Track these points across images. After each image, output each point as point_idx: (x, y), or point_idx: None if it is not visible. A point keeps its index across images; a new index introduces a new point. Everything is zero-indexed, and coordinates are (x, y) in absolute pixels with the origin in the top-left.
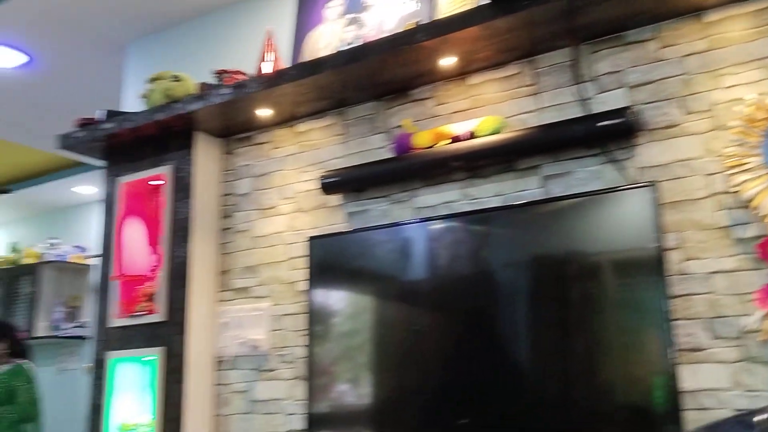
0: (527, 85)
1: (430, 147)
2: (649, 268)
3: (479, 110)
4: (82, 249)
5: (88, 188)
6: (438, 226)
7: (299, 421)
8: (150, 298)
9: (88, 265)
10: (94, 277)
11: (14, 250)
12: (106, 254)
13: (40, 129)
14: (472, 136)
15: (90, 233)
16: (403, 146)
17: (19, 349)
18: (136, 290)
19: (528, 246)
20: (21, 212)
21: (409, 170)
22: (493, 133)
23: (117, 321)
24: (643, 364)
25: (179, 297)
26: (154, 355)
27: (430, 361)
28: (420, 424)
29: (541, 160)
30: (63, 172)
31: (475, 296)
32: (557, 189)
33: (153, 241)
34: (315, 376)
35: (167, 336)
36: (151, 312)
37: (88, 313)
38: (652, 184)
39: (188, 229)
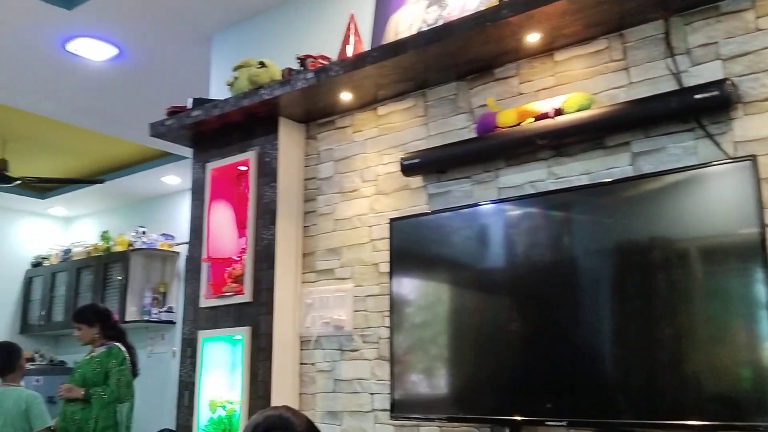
0: (616, 60)
1: (515, 125)
2: (748, 251)
3: (565, 87)
4: (170, 237)
5: (174, 178)
6: (522, 204)
7: (383, 401)
8: (237, 279)
9: (176, 252)
10: (181, 263)
11: (106, 238)
12: (195, 238)
13: (131, 120)
14: (558, 113)
15: (177, 221)
16: (487, 125)
17: (113, 333)
18: (225, 272)
19: (617, 228)
20: (112, 202)
21: (493, 149)
22: (581, 110)
23: (207, 302)
24: (735, 355)
25: (265, 278)
26: (241, 334)
27: (514, 344)
28: (502, 409)
29: (631, 136)
30: (151, 163)
31: (561, 279)
32: (648, 166)
33: (240, 225)
34: (398, 357)
35: (254, 316)
36: (238, 293)
37: (176, 299)
38: (751, 159)
39: (273, 212)
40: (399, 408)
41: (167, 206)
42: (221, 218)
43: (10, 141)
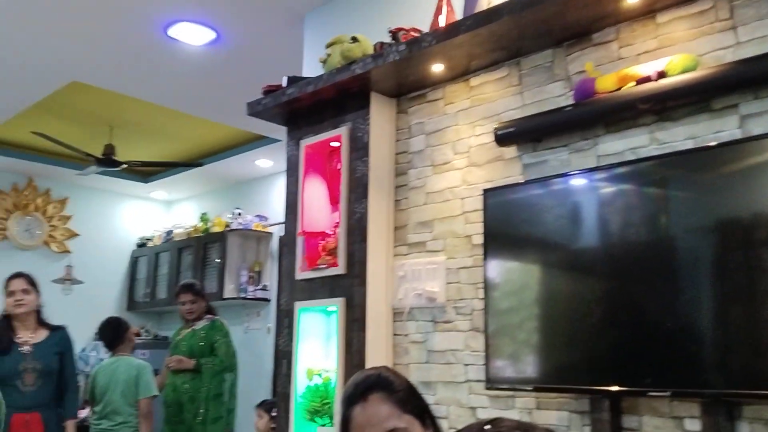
0: (722, 20)
1: (615, 90)
2: None
3: (668, 50)
4: (264, 218)
5: (267, 162)
6: (624, 170)
7: (477, 372)
8: (331, 252)
9: (269, 233)
10: (274, 243)
11: (204, 219)
12: (291, 213)
13: (227, 104)
14: (661, 76)
15: (270, 203)
16: (585, 92)
17: (208, 307)
18: (319, 245)
19: (725, 197)
20: (210, 185)
21: (592, 116)
22: (686, 72)
23: (302, 274)
24: None
25: (358, 251)
26: (336, 305)
27: (614, 315)
28: (601, 380)
29: (739, 98)
30: (246, 147)
31: (664, 250)
32: (758, 129)
33: (333, 200)
34: (492, 328)
35: (347, 288)
36: (332, 265)
37: (270, 277)
38: None
39: (365, 186)
40: (494, 379)
41: (261, 188)
42: (315, 193)
43: (116, 127)
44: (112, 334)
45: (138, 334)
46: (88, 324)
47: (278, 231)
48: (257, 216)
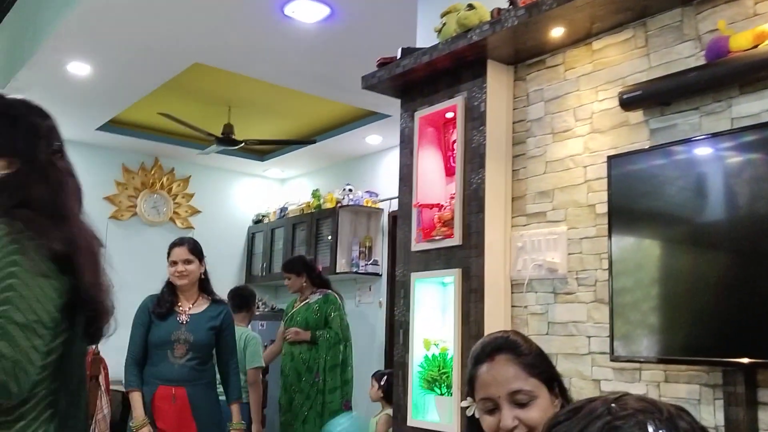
0: None
1: (751, 48)
2: None
3: None
4: (374, 194)
5: (377, 138)
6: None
7: (601, 344)
8: (447, 223)
9: (380, 209)
10: (384, 218)
11: (316, 196)
12: (405, 185)
13: (339, 81)
14: None
15: (379, 179)
16: (718, 50)
17: (320, 282)
18: (434, 217)
19: None
20: (321, 162)
21: (725, 76)
22: None
23: (417, 245)
24: None
25: (474, 222)
26: (452, 276)
27: (750, 285)
28: (735, 352)
29: None
30: (356, 123)
31: None
32: None
33: (448, 171)
34: (618, 299)
35: (464, 258)
36: (448, 236)
37: (380, 252)
38: None
39: (482, 156)
40: (620, 351)
41: (370, 165)
42: (429, 165)
43: (234, 107)
44: (239, 300)
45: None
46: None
47: (388, 206)
48: (367, 192)
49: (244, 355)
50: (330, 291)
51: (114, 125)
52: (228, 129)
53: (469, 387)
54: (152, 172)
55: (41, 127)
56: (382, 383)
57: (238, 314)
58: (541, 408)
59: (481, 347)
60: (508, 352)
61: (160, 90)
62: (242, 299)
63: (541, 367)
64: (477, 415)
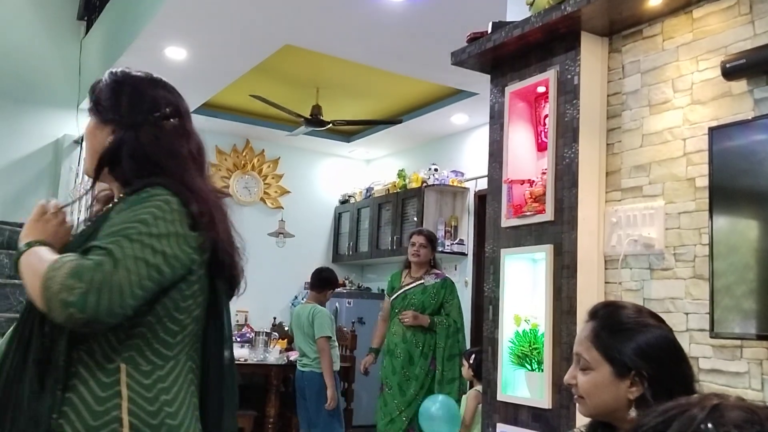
0: None
1: None
2: None
3: None
4: (459, 173)
5: (462, 117)
6: None
7: (699, 321)
8: (538, 199)
9: (465, 188)
10: (470, 198)
11: (402, 176)
12: (495, 161)
13: (426, 59)
14: None
15: (465, 159)
16: None
17: (435, 262)
18: (525, 193)
19: None
20: (406, 143)
21: None
22: None
23: (507, 221)
24: None
25: (567, 197)
26: (543, 252)
27: None
28: None
29: None
30: (442, 102)
31: None
32: None
33: (539, 146)
34: (719, 275)
35: (556, 234)
36: (539, 212)
37: (466, 232)
38: None
39: (575, 130)
40: (720, 327)
41: (456, 144)
42: (519, 140)
43: (322, 88)
44: (316, 281)
45: (342, 285)
46: (299, 274)
47: (474, 186)
48: (453, 171)
49: (312, 327)
50: (447, 276)
51: (208, 108)
52: (316, 110)
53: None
54: (243, 153)
55: (145, 94)
56: (471, 361)
57: (313, 292)
58: (594, 381)
59: (592, 307)
60: (596, 320)
61: (251, 73)
62: (320, 280)
63: (615, 347)
64: None
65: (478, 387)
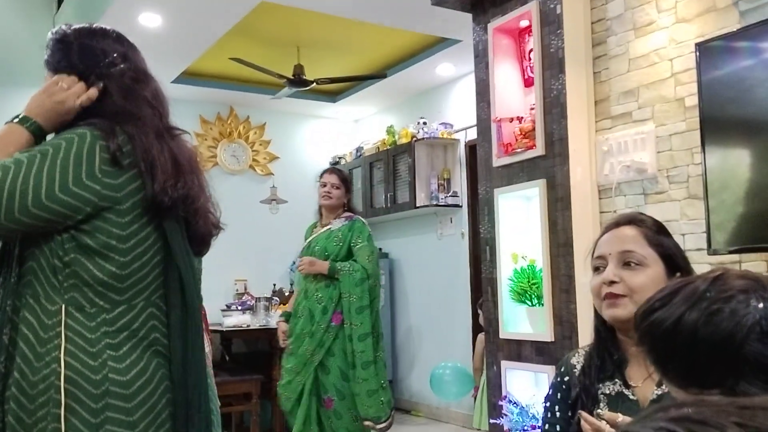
0: None
1: None
2: None
3: None
4: (449, 125)
5: (448, 67)
6: None
7: (696, 240)
8: (528, 135)
9: (455, 140)
10: (461, 149)
11: (391, 132)
12: (482, 100)
13: (408, 8)
14: None
15: (453, 110)
16: None
17: (352, 207)
18: (514, 130)
19: None
20: (393, 99)
21: None
22: None
23: (499, 161)
24: None
25: (557, 130)
26: (536, 187)
27: None
28: None
29: None
30: (426, 53)
31: None
32: None
33: (526, 81)
34: (713, 193)
35: (548, 168)
36: (530, 148)
37: (459, 184)
38: None
39: (561, 61)
40: (717, 244)
41: (443, 96)
42: (506, 78)
43: (302, 47)
44: None
45: None
46: (294, 239)
47: (464, 137)
48: (442, 124)
49: None
50: (358, 217)
51: (188, 77)
52: (298, 70)
53: (592, 255)
54: (228, 121)
55: (93, 47)
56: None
57: None
58: (650, 277)
59: (612, 219)
60: (634, 224)
61: (229, 36)
62: None
63: (665, 247)
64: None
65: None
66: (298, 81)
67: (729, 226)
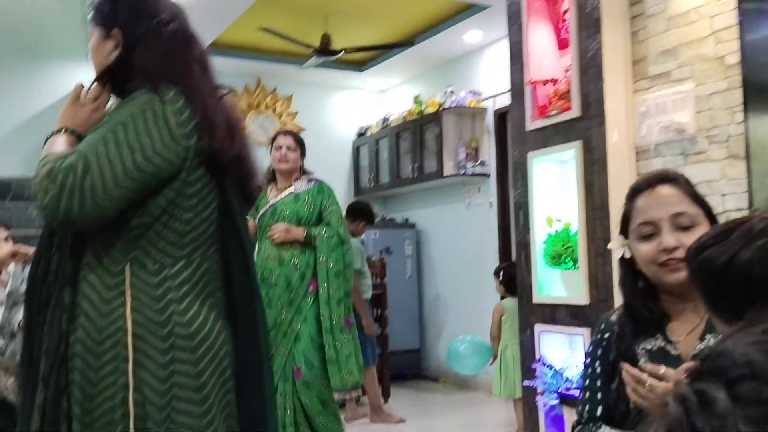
0: None
1: None
2: None
3: None
4: (477, 93)
5: (476, 33)
6: None
7: (736, 200)
8: (563, 96)
9: (483, 108)
10: (489, 118)
11: (418, 102)
12: (516, 63)
13: None
14: None
15: (481, 78)
16: None
17: (306, 170)
18: (549, 92)
19: None
20: (420, 68)
21: None
22: None
23: (533, 124)
24: None
25: (593, 91)
26: (572, 149)
27: None
28: None
29: None
30: (454, 20)
31: None
32: None
33: (561, 43)
34: (755, 152)
35: (584, 130)
36: (565, 110)
37: (488, 153)
38: None
39: (597, 21)
40: (759, 202)
41: (471, 64)
42: (540, 39)
43: (330, 16)
44: (348, 212)
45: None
46: None
47: (492, 105)
48: (470, 92)
49: None
50: (321, 179)
51: (216, 48)
52: (326, 39)
53: (623, 224)
54: (256, 93)
55: (145, 5)
56: (501, 277)
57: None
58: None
59: (638, 181)
60: (671, 183)
61: (256, 7)
62: (354, 211)
63: (705, 201)
64: (628, 254)
65: (507, 300)
66: (325, 50)
67: None
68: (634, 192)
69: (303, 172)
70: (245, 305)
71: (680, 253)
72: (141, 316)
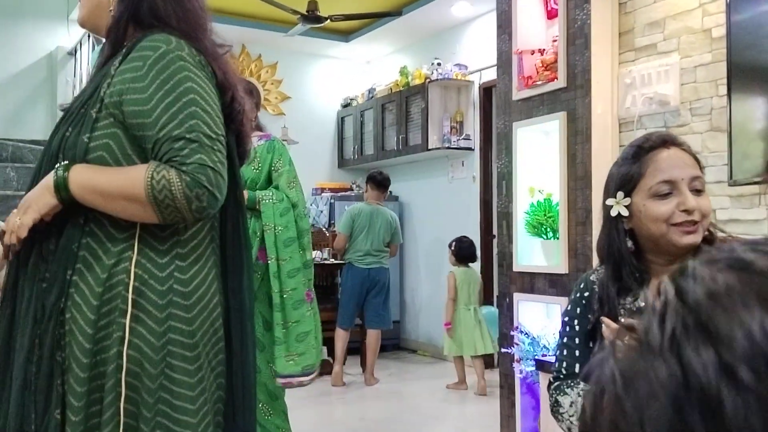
0: None
1: None
2: None
3: None
4: (463, 66)
5: (464, 6)
6: None
7: (717, 173)
8: (549, 67)
9: (470, 81)
10: (475, 91)
11: (404, 73)
12: (504, 32)
13: None
14: None
15: (468, 51)
16: None
17: (260, 125)
18: (536, 62)
19: None
20: (407, 39)
21: None
22: None
23: (519, 94)
24: None
25: (579, 62)
26: (556, 120)
27: None
28: None
29: None
30: None
31: None
32: None
33: (549, 13)
34: (737, 124)
35: (569, 101)
36: (551, 80)
37: (472, 127)
38: None
39: None
40: (739, 175)
41: (458, 37)
42: (529, 9)
43: None
44: (380, 183)
45: (350, 189)
46: (305, 181)
47: (478, 79)
48: (456, 65)
49: (390, 231)
50: (275, 136)
51: None
52: (313, 6)
53: (626, 182)
54: (240, 59)
55: None
56: (453, 248)
57: (376, 192)
58: (709, 200)
59: (647, 137)
60: (680, 146)
61: None
62: (384, 181)
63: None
64: (625, 212)
65: (457, 268)
66: (312, 17)
67: (751, 157)
68: (643, 150)
69: (257, 127)
70: (234, 265)
71: (697, 216)
72: (144, 270)
